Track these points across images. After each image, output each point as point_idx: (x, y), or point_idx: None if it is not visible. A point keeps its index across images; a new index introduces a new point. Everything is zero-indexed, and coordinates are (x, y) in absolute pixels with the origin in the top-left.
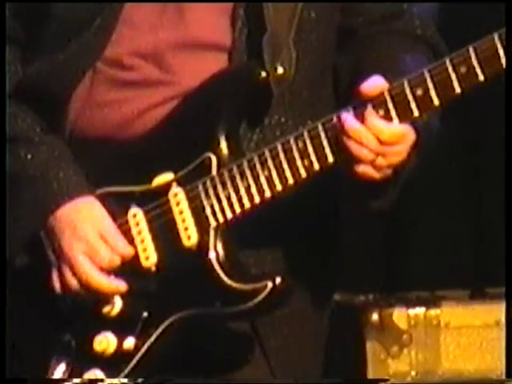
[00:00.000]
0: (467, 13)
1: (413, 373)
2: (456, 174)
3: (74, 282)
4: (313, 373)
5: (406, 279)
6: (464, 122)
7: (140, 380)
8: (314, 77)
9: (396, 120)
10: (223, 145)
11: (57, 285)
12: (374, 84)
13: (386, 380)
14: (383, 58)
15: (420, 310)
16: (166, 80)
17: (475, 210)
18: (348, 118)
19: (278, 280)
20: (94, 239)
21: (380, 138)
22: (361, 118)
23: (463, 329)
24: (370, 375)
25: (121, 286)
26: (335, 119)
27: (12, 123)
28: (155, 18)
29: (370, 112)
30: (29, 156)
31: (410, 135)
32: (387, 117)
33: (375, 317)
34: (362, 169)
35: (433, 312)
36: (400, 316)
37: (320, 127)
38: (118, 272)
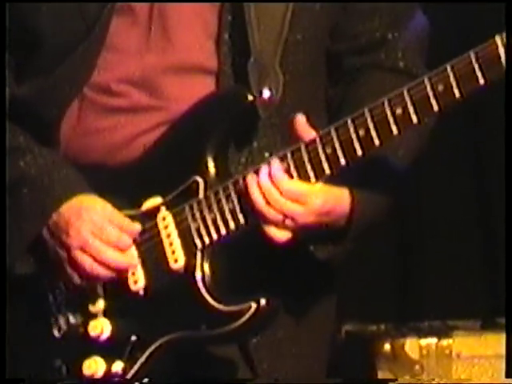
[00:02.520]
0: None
1: None
2: (468, 202)
3: (88, 261)
4: None
5: (417, 309)
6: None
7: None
8: (303, 99)
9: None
10: (211, 168)
11: (71, 273)
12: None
13: (395, 380)
14: (364, 97)
15: (432, 340)
16: (155, 105)
17: (487, 240)
18: (262, 175)
19: (263, 302)
20: (100, 221)
21: (280, 189)
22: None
23: (475, 359)
24: None
25: (133, 259)
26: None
27: (10, 136)
28: (141, 43)
29: (274, 166)
30: (29, 162)
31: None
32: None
33: (387, 346)
34: (271, 230)
35: (445, 342)
36: (412, 346)
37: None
38: (105, 294)
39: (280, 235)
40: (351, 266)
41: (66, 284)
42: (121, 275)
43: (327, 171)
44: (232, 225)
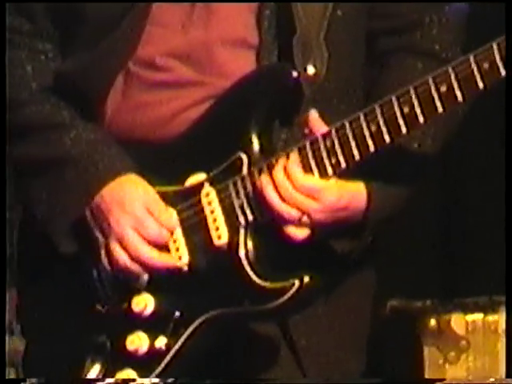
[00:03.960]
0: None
1: (470, 378)
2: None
3: (124, 257)
4: (350, 374)
5: (463, 285)
6: None
7: (170, 380)
8: (344, 76)
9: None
10: (255, 144)
11: (106, 262)
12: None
13: (443, 379)
14: (394, 82)
15: (478, 316)
16: (198, 80)
17: None
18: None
19: (306, 279)
20: (140, 213)
21: (294, 184)
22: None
23: None
24: None
25: (171, 259)
26: None
27: (54, 112)
28: (185, 17)
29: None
30: (74, 138)
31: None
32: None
33: (433, 322)
34: (290, 229)
35: (491, 318)
36: (458, 322)
37: (347, 125)
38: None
39: (298, 233)
40: (397, 242)
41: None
42: (155, 272)
43: (371, 148)
44: None
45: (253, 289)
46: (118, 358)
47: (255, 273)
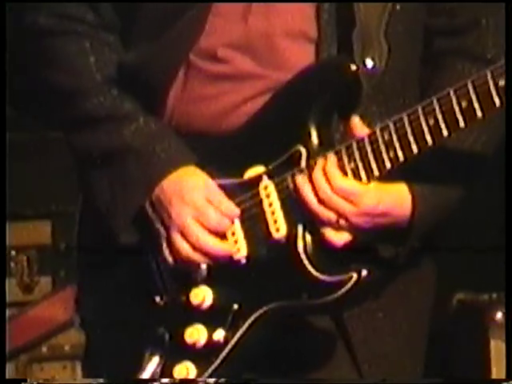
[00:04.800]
0: None
1: None
2: None
3: (186, 247)
4: (409, 372)
5: None
6: None
7: (223, 380)
8: (403, 69)
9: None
10: (314, 137)
11: (167, 253)
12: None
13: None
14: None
15: None
16: (258, 73)
17: None
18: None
19: (364, 272)
20: (201, 203)
21: (333, 185)
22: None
23: None
24: (494, 374)
25: (232, 247)
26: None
27: (117, 104)
28: (244, 8)
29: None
30: (135, 131)
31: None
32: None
33: (499, 315)
34: (328, 233)
35: None
36: None
37: (405, 118)
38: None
39: (337, 238)
40: (464, 237)
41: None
42: (218, 261)
43: (430, 143)
44: None
45: (311, 282)
46: (177, 350)
47: (313, 266)
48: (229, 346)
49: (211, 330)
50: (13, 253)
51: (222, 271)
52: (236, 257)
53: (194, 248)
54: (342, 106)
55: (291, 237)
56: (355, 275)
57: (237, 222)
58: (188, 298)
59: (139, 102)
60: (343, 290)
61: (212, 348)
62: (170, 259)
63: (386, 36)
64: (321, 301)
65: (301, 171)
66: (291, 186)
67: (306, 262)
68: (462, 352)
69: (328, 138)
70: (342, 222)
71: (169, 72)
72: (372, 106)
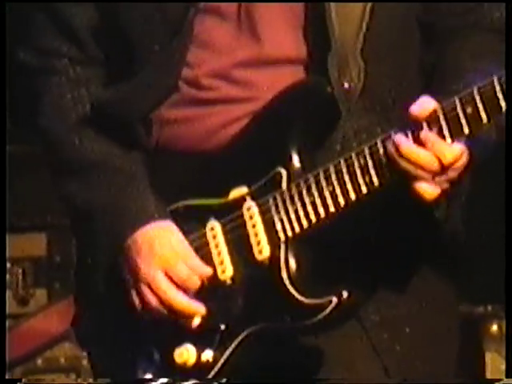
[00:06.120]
0: None
1: None
2: None
3: (153, 300)
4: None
5: None
6: None
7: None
8: (394, 75)
9: (448, 139)
10: (295, 159)
11: (137, 304)
12: (424, 105)
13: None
14: (462, 56)
15: None
16: (245, 96)
17: None
18: (404, 141)
19: (345, 294)
20: (171, 257)
21: (443, 161)
22: (419, 140)
23: None
24: None
25: (200, 308)
26: (392, 139)
27: (87, 148)
28: (230, 38)
29: (430, 136)
30: (104, 183)
31: (466, 152)
32: (440, 135)
33: (494, 328)
34: (422, 187)
35: None
36: None
37: (379, 143)
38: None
39: (430, 191)
40: (459, 249)
41: None
42: (184, 317)
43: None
44: (313, 217)
45: (293, 304)
46: (167, 370)
47: (295, 288)
48: (218, 365)
49: (200, 350)
50: (8, 265)
51: (208, 291)
52: (222, 277)
53: (161, 303)
54: (323, 127)
55: (274, 258)
56: (335, 299)
57: (223, 243)
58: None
59: (117, 140)
60: (323, 313)
61: (201, 368)
62: (138, 308)
63: (362, 53)
64: (301, 324)
65: (282, 193)
66: (273, 208)
67: (288, 284)
68: (457, 364)
69: (309, 160)
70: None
71: (148, 107)
72: (365, 118)
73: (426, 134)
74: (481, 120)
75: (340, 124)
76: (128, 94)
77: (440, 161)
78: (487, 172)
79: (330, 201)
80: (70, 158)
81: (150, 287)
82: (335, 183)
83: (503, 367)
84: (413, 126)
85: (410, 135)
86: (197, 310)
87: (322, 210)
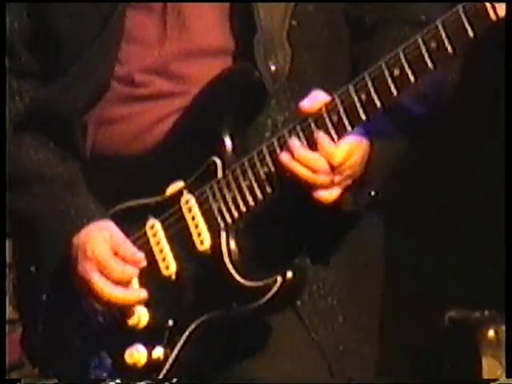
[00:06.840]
0: None
1: None
2: None
3: (96, 303)
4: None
5: None
6: None
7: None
8: (321, 64)
9: (349, 127)
10: (228, 147)
11: (84, 307)
12: (313, 99)
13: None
14: (387, 48)
15: None
16: (176, 91)
17: None
18: (296, 145)
19: (289, 274)
20: (103, 255)
21: (332, 162)
22: (311, 141)
23: None
24: None
25: (141, 293)
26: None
27: (24, 159)
28: (159, 32)
29: (319, 137)
30: (42, 193)
31: (361, 144)
32: (339, 124)
33: (491, 333)
34: (319, 194)
35: None
36: None
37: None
38: (140, 282)
39: (329, 195)
40: (455, 253)
41: None
42: (128, 309)
43: (363, 118)
44: (251, 201)
45: (239, 290)
46: (119, 372)
47: (239, 274)
48: (169, 362)
49: (150, 348)
50: None
51: (153, 289)
52: (166, 273)
53: (102, 302)
54: (253, 113)
55: (216, 247)
56: (280, 278)
57: (163, 239)
58: (124, 318)
59: (53, 143)
60: (269, 294)
61: (153, 366)
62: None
63: (289, 38)
64: (248, 308)
65: (218, 182)
66: (211, 197)
67: (232, 270)
68: (454, 370)
69: (242, 146)
70: (337, 178)
71: (82, 105)
72: (293, 106)
73: (316, 134)
74: (375, 106)
75: (269, 113)
76: (60, 93)
77: (329, 162)
78: (487, 172)
79: (266, 182)
80: (10, 170)
81: (89, 290)
82: (270, 164)
83: (500, 372)
84: (305, 128)
85: (302, 137)
86: (138, 297)
87: (259, 193)
